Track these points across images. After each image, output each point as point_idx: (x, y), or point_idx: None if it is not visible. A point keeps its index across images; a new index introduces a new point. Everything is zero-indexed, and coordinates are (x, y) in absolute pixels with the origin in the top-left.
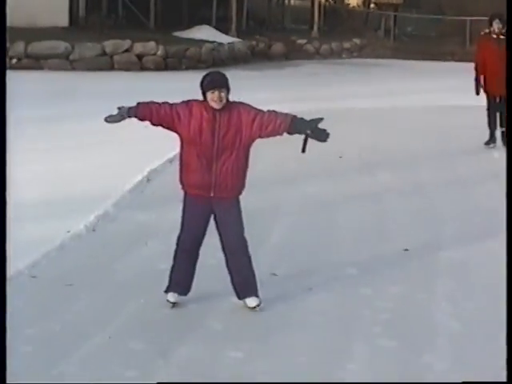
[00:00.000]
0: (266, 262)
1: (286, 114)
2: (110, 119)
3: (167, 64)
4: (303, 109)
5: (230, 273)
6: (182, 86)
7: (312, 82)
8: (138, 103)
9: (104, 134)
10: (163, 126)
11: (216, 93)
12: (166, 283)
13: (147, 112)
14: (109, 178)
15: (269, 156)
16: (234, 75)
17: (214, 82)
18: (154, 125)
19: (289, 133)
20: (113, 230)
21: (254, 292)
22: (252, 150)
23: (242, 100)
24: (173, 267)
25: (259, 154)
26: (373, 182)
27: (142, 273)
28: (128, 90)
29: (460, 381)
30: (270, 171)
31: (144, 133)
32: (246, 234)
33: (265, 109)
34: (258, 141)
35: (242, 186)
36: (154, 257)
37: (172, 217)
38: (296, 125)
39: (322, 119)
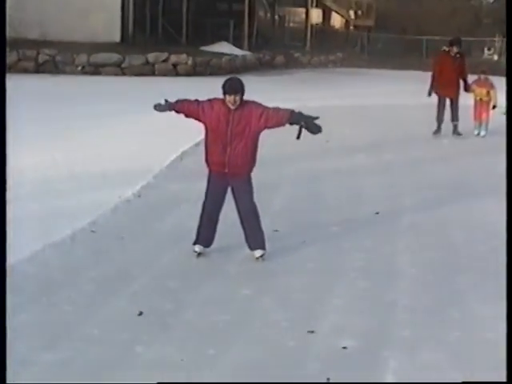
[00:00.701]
0: (270, 221)
1: (287, 109)
2: (158, 108)
3: (196, 71)
4: (298, 105)
5: (244, 230)
6: (206, 87)
7: (305, 85)
8: (177, 100)
9: (147, 124)
10: (193, 118)
11: (232, 97)
12: (194, 237)
13: (181, 107)
14: (151, 157)
15: (270, 142)
16: (246, 80)
17: (231, 89)
18: (186, 116)
19: (290, 123)
20: (154, 196)
21: (261, 245)
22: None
23: (253, 98)
24: (199, 226)
25: (263, 141)
26: (351, 161)
27: (177, 229)
28: (166, 90)
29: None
30: (272, 153)
31: (177, 124)
32: (256, 201)
33: (270, 105)
34: (265, 131)
35: (251, 165)
36: (185, 217)
37: (199, 187)
38: (294, 117)
39: (317, 117)
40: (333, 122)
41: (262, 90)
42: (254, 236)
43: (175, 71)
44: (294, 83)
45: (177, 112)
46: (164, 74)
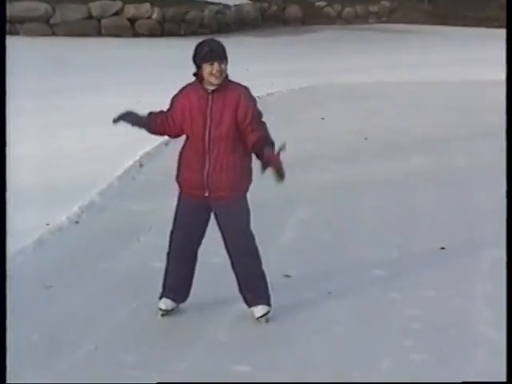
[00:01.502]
0: (277, 261)
1: (262, 129)
2: (117, 120)
3: (164, 29)
4: (319, 82)
5: (237, 277)
6: (180, 56)
7: (331, 52)
8: (150, 114)
9: (95, 111)
10: (168, 135)
11: (216, 65)
12: (159, 288)
13: (157, 128)
14: (98, 162)
15: (281, 136)
16: (240, 42)
17: (214, 52)
18: (171, 137)
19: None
20: (99, 222)
21: (263, 299)
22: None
23: (249, 71)
24: (166, 270)
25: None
26: (402, 167)
27: (132, 273)
28: (118, 60)
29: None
30: (283, 154)
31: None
32: (255, 228)
33: (272, 83)
34: (267, 117)
35: (246, 183)
36: (146, 254)
37: (169, 207)
38: (261, 145)
39: (282, 178)
40: (374, 106)
41: (263, 60)
42: (253, 285)
43: (132, 30)
44: (315, 48)
45: (153, 133)
46: (115, 33)
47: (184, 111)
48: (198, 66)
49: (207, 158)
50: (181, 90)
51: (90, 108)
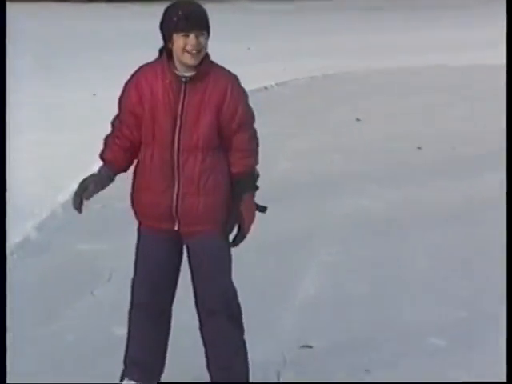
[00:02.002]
0: (293, 325)
1: (251, 163)
2: (77, 203)
3: None
4: (351, 67)
5: (205, 346)
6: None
7: (368, 24)
8: (101, 154)
9: (38, 112)
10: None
11: (192, 37)
12: (120, 362)
13: (118, 162)
14: (34, 182)
15: (297, 145)
16: (238, 10)
17: (190, 19)
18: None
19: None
20: (36, 269)
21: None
22: (271, 136)
23: (251, 50)
24: (128, 336)
25: (282, 143)
26: (467, 189)
27: (85, 343)
28: (66, 35)
29: None
30: (302, 170)
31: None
32: (262, 277)
33: (284, 67)
34: (280, 120)
35: (231, 212)
36: (105, 315)
37: (133, 246)
38: (239, 183)
39: (265, 208)
40: (432, 102)
41: (273, 34)
42: (227, 361)
43: None
44: (345, 18)
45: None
46: None
47: (142, 105)
48: (167, 39)
49: (176, 175)
50: (135, 74)
51: (32, 108)
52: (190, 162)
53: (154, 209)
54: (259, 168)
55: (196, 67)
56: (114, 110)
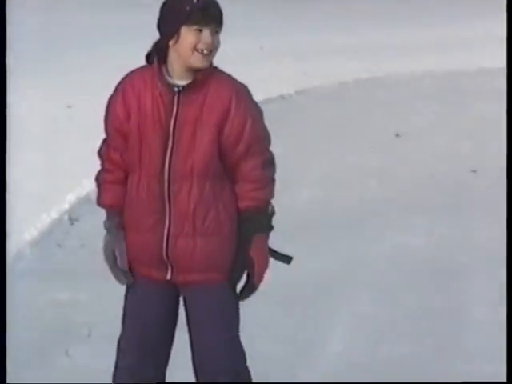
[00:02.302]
0: None
1: (265, 193)
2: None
3: None
4: (389, 70)
5: None
6: (144, 23)
7: (410, 14)
8: (98, 200)
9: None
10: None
11: (207, 32)
12: None
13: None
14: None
15: (322, 169)
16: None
17: (209, 10)
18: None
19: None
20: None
21: None
22: (291, 158)
23: (264, 49)
24: None
25: (304, 166)
26: None
27: None
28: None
29: None
30: (329, 200)
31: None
32: (279, 336)
33: (305, 71)
34: (300, 137)
35: (236, 257)
36: (80, 379)
37: (118, 296)
38: (248, 221)
39: (290, 259)
40: (490, 112)
41: (290, 29)
42: None
43: None
44: (378, 7)
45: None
46: None
47: (130, 122)
48: (168, 33)
49: (167, 209)
50: (120, 84)
51: None
52: (183, 193)
53: (141, 252)
54: (276, 198)
55: (193, 73)
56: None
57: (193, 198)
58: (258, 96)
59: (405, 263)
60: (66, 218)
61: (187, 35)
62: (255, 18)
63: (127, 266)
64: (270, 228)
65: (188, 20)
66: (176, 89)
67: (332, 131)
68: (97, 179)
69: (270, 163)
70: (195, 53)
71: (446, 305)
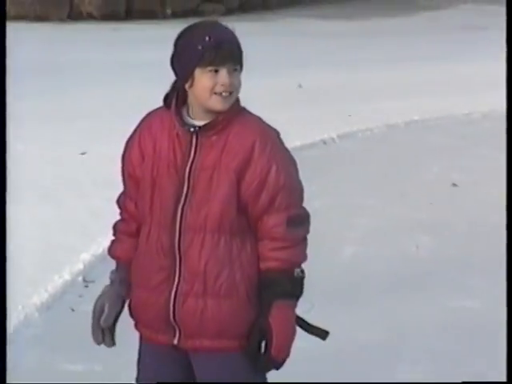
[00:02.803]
0: None
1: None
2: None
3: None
4: (452, 110)
5: None
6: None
7: (475, 49)
8: (109, 249)
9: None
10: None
11: (224, 73)
12: None
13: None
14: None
15: (367, 223)
16: (289, 28)
17: (224, 48)
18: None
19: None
20: None
21: None
22: (332, 210)
23: (303, 88)
24: None
25: (347, 219)
26: None
27: None
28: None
29: None
30: (374, 258)
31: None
32: None
33: (349, 113)
34: (343, 186)
35: (255, 322)
36: None
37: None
38: (270, 284)
39: (326, 334)
40: None
41: (332, 63)
42: None
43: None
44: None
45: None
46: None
47: (142, 165)
48: (183, 75)
49: (177, 264)
50: (139, 126)
51: None
52: (195, 247)
53: (147, 312)
54: (313, 256)
55: (215, 114)
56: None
57: (205, 253)
58: (295, 141)
59: (462, 330)
60: (79, 279)
61: (202, 78)
62: (292, 50)
63: (110, 326)
64: (297, 294)
65: (201, 61)
66: (192, 129)
67: (379, 180)
68: (113, 228)
69: (299, 219)
70: (213, 95)
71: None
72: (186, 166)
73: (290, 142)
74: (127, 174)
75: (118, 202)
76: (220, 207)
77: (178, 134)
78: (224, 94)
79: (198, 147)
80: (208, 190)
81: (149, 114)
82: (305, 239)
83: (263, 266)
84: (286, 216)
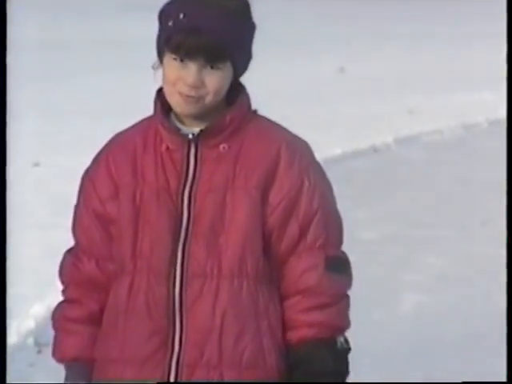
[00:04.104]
0: None
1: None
2: None
3: None
4: None
5: None
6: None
7: None
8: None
9: None
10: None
11: (193, 68)
12: None
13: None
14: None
15: (438, 251)
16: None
17: (193, 34)
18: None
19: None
20: None
21: None
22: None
23: (346, 73)
24: None
25: (409, 247)
26: None
27: None
28: None
29: None
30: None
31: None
32: None
33: (411, 108)
34: (404, 210)
35: None
36: None
37: None
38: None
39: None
40: None
41: (386, 41)
42: None
43: None
44: None
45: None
46: None
47: (115, 199)
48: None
49: (177, 324)
50: (101, 151)
51: None
52: (205, 299)
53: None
54: (361, 313)
55: (219, 112)
56: None
57: (220, 306)
58: (335, 147)
59: None
60: (30, 341)
61: (167, 66)
62: (331, 25)
63: None
64: (342, 373)
65: (167, 43)
66: (191, 135)
67: (451, 202)
68: (53, 317)
69: (340, 264)
70: (176, 94)
71: None
72: (184, 188)
73: (328, 148)
74: (90, 215)
75: (61, 273)
76: (241, 241)
77: (167, 148)
78: (188, 95)
79: (199, 161)
80: (220, 218)
81: (117, 134)
82: (347, 295)
83: (293, 335)
84: (323, 256)
